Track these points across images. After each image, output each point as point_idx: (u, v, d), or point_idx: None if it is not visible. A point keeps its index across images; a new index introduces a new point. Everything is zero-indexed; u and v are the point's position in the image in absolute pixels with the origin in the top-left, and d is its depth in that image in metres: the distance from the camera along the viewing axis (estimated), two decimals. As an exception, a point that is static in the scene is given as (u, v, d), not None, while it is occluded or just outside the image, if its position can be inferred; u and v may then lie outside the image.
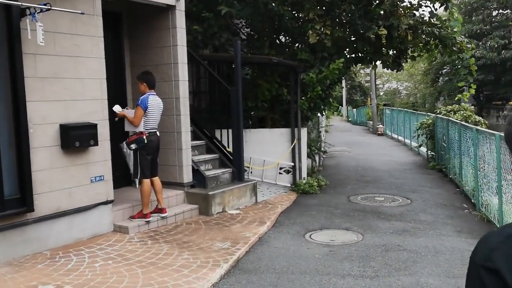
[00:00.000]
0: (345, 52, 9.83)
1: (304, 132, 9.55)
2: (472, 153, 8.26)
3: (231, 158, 8.06)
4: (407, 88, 54.46)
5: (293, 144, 9.40)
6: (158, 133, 6.26)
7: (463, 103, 13.28)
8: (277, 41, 10.15)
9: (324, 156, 13.80)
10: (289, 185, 9.43)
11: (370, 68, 30.07)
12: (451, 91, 40.99)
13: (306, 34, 8.73)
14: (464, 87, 10.40)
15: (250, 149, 9.56)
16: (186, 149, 7.19)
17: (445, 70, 41.16)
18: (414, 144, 17.04)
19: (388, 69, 10.84)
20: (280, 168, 9.55)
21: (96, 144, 5.61)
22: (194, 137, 8.10)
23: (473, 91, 9.91)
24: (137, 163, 6.03)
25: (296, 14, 9.45)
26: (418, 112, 17.81)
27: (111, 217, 6.01)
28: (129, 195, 6.68)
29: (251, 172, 9.54)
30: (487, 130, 7.30)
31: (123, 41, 7.37)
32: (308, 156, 10.05)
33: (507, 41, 32.48)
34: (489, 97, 35.61)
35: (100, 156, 5.82)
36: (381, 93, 57.09)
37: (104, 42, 7.11)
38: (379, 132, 25.04)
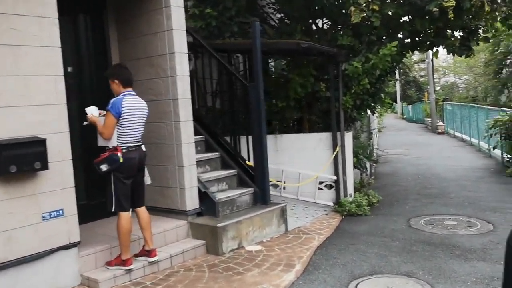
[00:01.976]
0: (398, 34, 7.80)
1: (348, 136, 7.61)
2: None
3: (253, 174, 6.28)
4: (466, 82, 50.73)
5: (335, 152, 7.49)
6: (143, 147, 4.59)
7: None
8: (314, 26, 8.27)
9: (374, 164, 11.74)
10: (332, 204, 7.52)
11: (427, 60, 27.33)
12: (517, 82, 37.36)
13: (348, 12, 6.80)
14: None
15: (282, 159, 7.79)
16: (190, 165, 5.47)
17: (510, 60, 37.59)
18: (483, 144, 14.57)
19: (454, 55, 8.67)
20: (320, 183, 7.67)
21: (45, 167, 3.99)
22: (207, 148, 6.40)
23: None
24: (111, 190, 4.37)
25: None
26: (489, 107, 15.27)
27: (76, 266, 4.37)
28: (111, 231, 5.04)
29: (283, 188, 7.73)
30: None
31: (108, 28, 5.77)
32: (355, 167, 8.09)
33: None
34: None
35: (56, 182, 4.20)
36: (438, 88, 53.61)
37: (83, 29, 5.62)
38: (440, 130, 22.47)
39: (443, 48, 8.75)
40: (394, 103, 50.23)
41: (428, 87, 26.71)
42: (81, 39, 5.59)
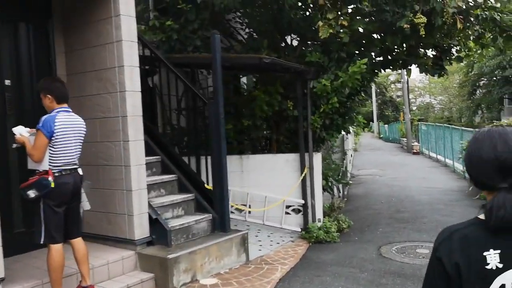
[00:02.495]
0: (370, 52, 7.50)
1: (317, 157, 7.22)
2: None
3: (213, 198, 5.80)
4: (441, 102, 51.53)
5: (303, 175, 7.08)
6: (80, 170, 4.08)
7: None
8: (283, 42, 7.92)
9: (348, 186, 11.39)
10: (299, 230, 7.08)
11: (403, 80, 27.46)
12: (490, 103, 38.09)
13: (316, 27, 6.46)
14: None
15: (248, 182, 7.36)
16: (139, 190, 4.97)
17: (483, 81, 38.29)
18: (458, 165, 14.39)
19: (427, 74, 8.44)
20: (287, 207, 7.24)
21: (-42, 194, 3.46)
22: (163, 169, 5.92)
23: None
24: (40, 219, 3.85)
25: (302, 1, 7.13)
26: (463, 127, 15.15)
27: (-2, 307, 3.82)
28: (44, 264, 4.49)
29: (249, 212, 7.27)
30: None
31: (53, 38, 5.28)
32: (324, 190, 7.69)
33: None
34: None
35: (-25, 211, 3.66)
36: (414, 108, 54.43)
37: (24, 39, 5.13)
38: (415, 151, 22.39)
39: (416, 67, 8.53)
40: (371, 122, 50.67)
41: (404, 107, 26.74)
42: (22, 49, 5.09)
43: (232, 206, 6.90)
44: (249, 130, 7.38)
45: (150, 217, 5.07)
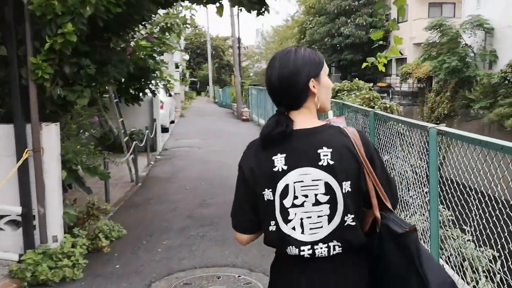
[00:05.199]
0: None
1: (50, 132, 4.14)
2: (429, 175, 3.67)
3: None
4: (276, 69, 52.10)
5: (21, 161, 3.97)
6: None
7: (357, 80, 9.10)
8: None
9: (152, 163, 8.59)
10: (17, 258, 4.01)
11: (233, 38, 25.20)
12: (319, 70, 38.84)
13: None
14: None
15: None
16: None
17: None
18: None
19: (241, 10, 5.89)
20: (-4, 218, 4.10)
21: None
22: None
23: (397, 52, 5.14)
24: None
25: None
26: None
27: None
28: None
29: None
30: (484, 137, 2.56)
31: None
32: (70, 186, 4.67)
33: (375, 19, 31.08)
34: (357, 78, 34.25)
35: None
36: (251, 74, 54.05)
37: None
38: (244, 117, 20.54)
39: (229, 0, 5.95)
40: (207, 86, 48.52)
41: (235, 69, 24.75)
42: None
43: None
44: None
45: None
